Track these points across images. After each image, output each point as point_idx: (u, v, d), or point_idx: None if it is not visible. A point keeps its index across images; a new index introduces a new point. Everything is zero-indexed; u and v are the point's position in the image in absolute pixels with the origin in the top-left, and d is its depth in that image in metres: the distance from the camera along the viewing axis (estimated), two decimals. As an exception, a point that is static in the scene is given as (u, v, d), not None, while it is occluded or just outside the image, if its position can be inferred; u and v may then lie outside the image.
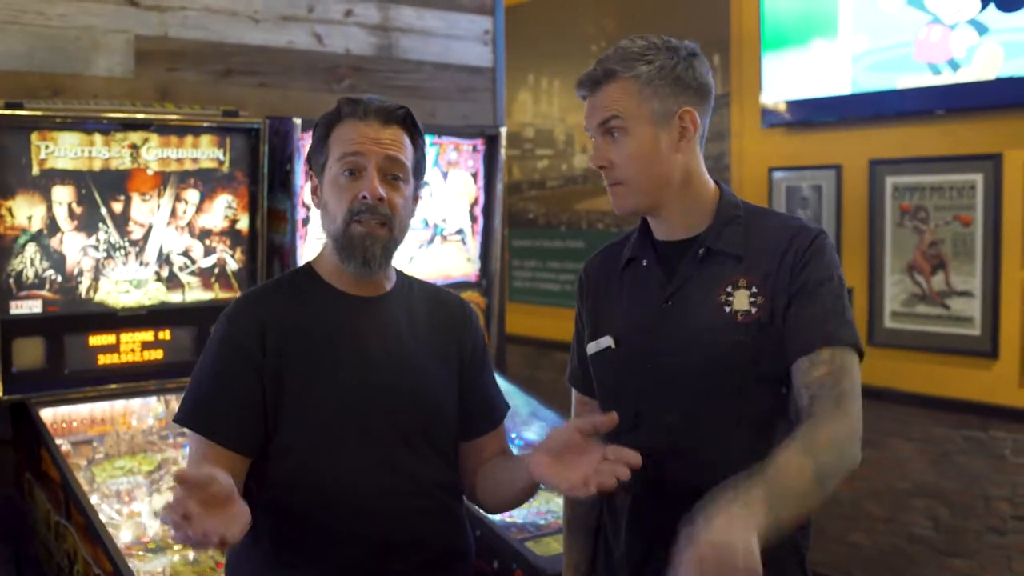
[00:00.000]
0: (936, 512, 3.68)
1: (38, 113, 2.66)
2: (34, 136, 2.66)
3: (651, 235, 1.68)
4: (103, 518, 2.46)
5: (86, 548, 2.39)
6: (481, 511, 1.97)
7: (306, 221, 3.07)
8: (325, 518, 1.62)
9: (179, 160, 2.90)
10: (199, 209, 2.97)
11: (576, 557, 1.79)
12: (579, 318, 1.78)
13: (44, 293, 2.73)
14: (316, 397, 1.64)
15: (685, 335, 1.59)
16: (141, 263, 2.89)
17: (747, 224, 1.63)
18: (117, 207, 2.82)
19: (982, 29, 3.45)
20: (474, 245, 3.56)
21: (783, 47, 4.02)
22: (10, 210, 2.65)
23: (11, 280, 2.68)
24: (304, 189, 3.03)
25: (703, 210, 1.64)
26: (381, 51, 3.69)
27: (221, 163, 2.99)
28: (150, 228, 2.89)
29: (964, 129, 3.56)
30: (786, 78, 4.03)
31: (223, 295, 3.03)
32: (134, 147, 2.81)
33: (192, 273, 2.99)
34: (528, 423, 3.42)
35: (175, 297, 2.96)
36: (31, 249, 2.70)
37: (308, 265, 1.78)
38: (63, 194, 2.72)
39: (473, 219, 3.54)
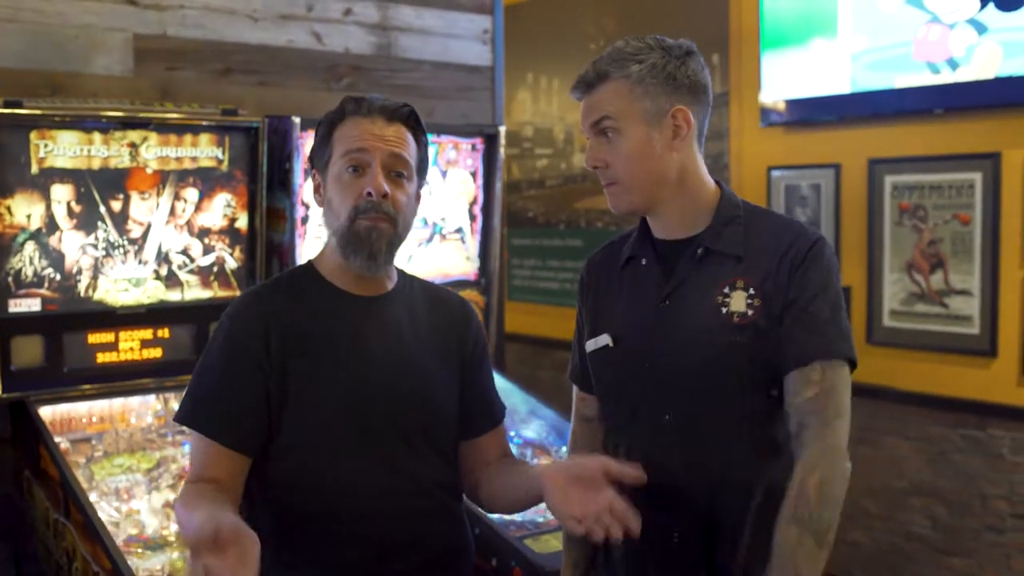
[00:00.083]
0: (934, 511, 3.68)
1: (37, 112, 2.65)
2: (33, 135, 2.66)
3: (651, 234, 1.69)
4: (102, 516, 2.46)
5: (85, 546, 2.39)
6: (480, 509, 1.97)
7: (305, 220, 3.08)
8: (325, 518, 1.62)
9: (178, 159, 2.90)
10: (198, 208, 2.97)
11: (575, 555, 1.79)
12: (580, 315, 1.79)
13: (43, 291, 2.74)
14: (317, 397, 1.64)
15: (682, 335, 1.59)
16: (140, 262, 2.89)
17: (747, 224, 1.62)
18: (116, 206, 2.82)
19: (981, 28, 3.45)
20: (473, 244, 3.56)
21: (782, 46, 4.02)
22: (9, 208, 2.65)
23: (10, 278, 2.68)
24: (303, 188, 3.04)
25: (702, 209, 1.64)
26: (380, 50, 3.69)
27: (220, 162, 2.99)
28: (149, 227, 2.89)
29: (963, 128, 3.56)
30: (785, 77, 4.03)
31: (222, 294, 3.03)
32: (133, 146, 2.81)
33: (191, 272, 2.99)
34: (527, 421, 3.42)
35: (174, 295, 2.96)
36: (30, 247, 2.70)
37: (309, 264, 1.77)
38: (62, 193, 2.72)
39: (472, 218, 3.55)
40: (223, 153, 2.99)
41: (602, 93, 1.59)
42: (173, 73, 3.22)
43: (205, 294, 3.02)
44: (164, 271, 2.94)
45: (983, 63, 3.45)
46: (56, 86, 3.00)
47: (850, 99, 3.84)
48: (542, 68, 5.25)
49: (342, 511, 1.62)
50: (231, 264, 3.06)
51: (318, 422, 1.64)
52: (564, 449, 2.95)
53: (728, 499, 1.57)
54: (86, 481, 2.63)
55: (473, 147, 3.51)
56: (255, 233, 3.06)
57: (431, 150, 3.38)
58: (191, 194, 2.95)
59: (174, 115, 2.89)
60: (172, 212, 2.92)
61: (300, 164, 3.00)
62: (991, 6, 3.41)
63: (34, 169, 2.67)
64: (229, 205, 3.02)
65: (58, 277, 2.75)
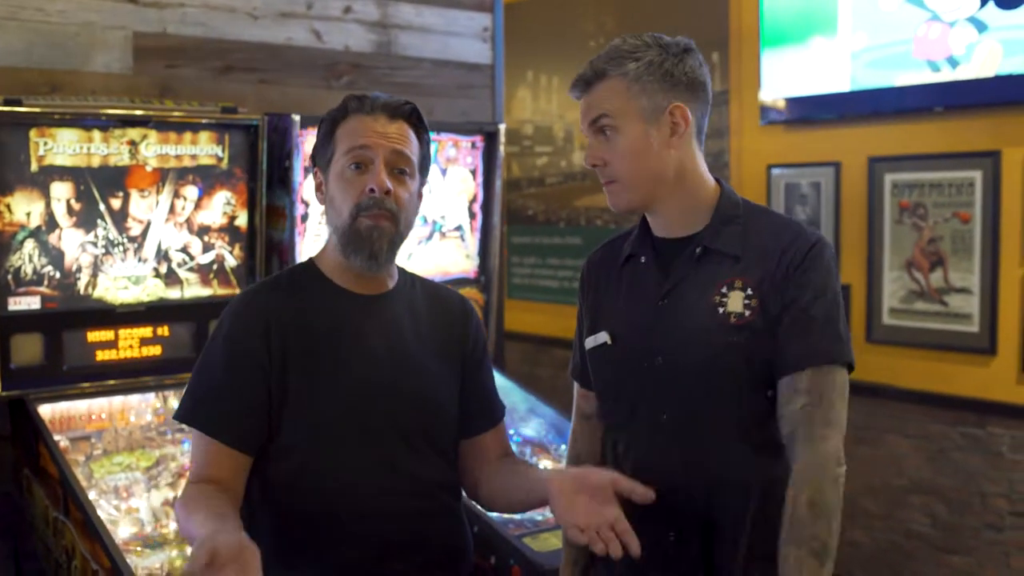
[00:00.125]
0: (934, 509, 3.68)
1: (37, 109, 2.65)
2: (33, 132, 2.66)
3: (651, 232, 1.68)
4: (101, 514, 2.47)
5: (84, 544, 2.39)
6: (479, 508, 1.97)
7: (304, 217, 3.08)
8: (325, 518, 1.62)
9: (178, 157, 2.90)
10: (198, 205, 2.97)
11: (574, 553, 1.79)
12: (581, 312, 1.79)
13: (42, 289, 2.74)
14: (317, 396, 1.64)
15: (680, 335, 1.59)
16: (140, 259, 2.89)
17: (746, 224, 1.62)
18: (116, 203, 2.82)
19: (981, 26, 3.45)
20: (473, 242, 3.56)
21: (782, 44, 4.02)
22: (8, 206, 2.65)
23: (9, 276, 2.68)
24: (303, 186, 3.03)
25: (701, 208, 1.63)
26: (380, 48, 3.69)
27: (220, 160, 2.99)
28: (149, 224, 2.89)
29: (963, 126, 3.56)
30: (785, 75, 4.03)
31: (221, 291, 3.03)
32: (133, 144, 2.81)
33: (191, 269, 2.99)
34: (526, 419, 3.42)
35: (173, 293, 2.96)
36: (29, 245, 2.70)
37: (310, 261, 1.77)
38: (62, 190, 2.72)
39: (472, 216, 3.55)
40: (223, 151, 2.99)
41: (600, 91, 1.59)
42: (173, 71, 3.22)
43: (205, 292, 3.01)
44: (164, 269, 2.94)
45: (983, 61, 3.45)
46: (56, 84, 3.00)
47: (850, 97, 3.83)
48: (542, 66, 5.25)
49: (342, 511, 1.62)
50: (231, 262, 3.06)
51: (318, 421, 1.64)
52: (563, 447, 2.95)
53: (726, 499, 1.57)
54: (85, 479, 2.63)
55: (473, 145, 3.51)
56: (255, 231, 3.06)
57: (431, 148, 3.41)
58: (191, 192, 2.95)
59: (174, 113, 2.89)
60: (172, 210, 2.92)
61: (300, 162, 3.00)
62: (991, 4, 3.40)
63: (34, 167, 2.67)
64: (229, 203, 3.02)
65: (58, 275, 2.75)
